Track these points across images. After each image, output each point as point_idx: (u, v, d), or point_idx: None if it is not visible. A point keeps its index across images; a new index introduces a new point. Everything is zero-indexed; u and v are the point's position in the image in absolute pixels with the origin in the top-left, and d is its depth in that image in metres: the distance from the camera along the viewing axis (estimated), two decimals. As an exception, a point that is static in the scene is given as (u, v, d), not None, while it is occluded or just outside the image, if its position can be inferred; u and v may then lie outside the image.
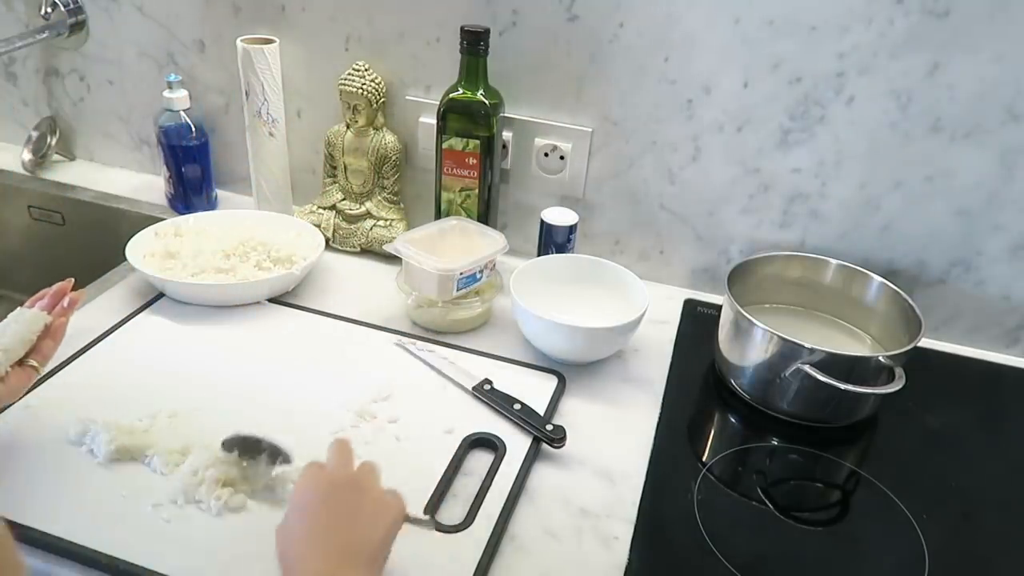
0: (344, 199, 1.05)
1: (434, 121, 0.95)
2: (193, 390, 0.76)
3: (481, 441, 0.72)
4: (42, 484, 0.64)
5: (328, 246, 1.01)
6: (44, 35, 1.11)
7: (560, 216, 0.95)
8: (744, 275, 0.86)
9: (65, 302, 0.71)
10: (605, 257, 0.92)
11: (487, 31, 0.89)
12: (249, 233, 0.96)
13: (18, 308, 0.68)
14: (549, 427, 0.72)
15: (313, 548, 0.50)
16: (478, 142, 0.93)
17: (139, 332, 0.85)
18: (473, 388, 0.78)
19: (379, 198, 1.04)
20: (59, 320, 0.70)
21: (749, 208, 0.94)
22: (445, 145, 0.95)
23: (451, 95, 0.92)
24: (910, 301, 0.81)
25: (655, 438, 0.75)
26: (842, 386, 0.71)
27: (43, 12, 1.11)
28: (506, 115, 0.97)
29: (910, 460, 0.77)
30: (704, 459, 0.75)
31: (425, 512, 0.63)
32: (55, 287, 0.72)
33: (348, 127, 1.01)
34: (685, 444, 0.76)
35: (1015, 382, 0.90)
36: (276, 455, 0.64)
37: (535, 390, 0.79)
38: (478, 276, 0.87)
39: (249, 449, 0.64)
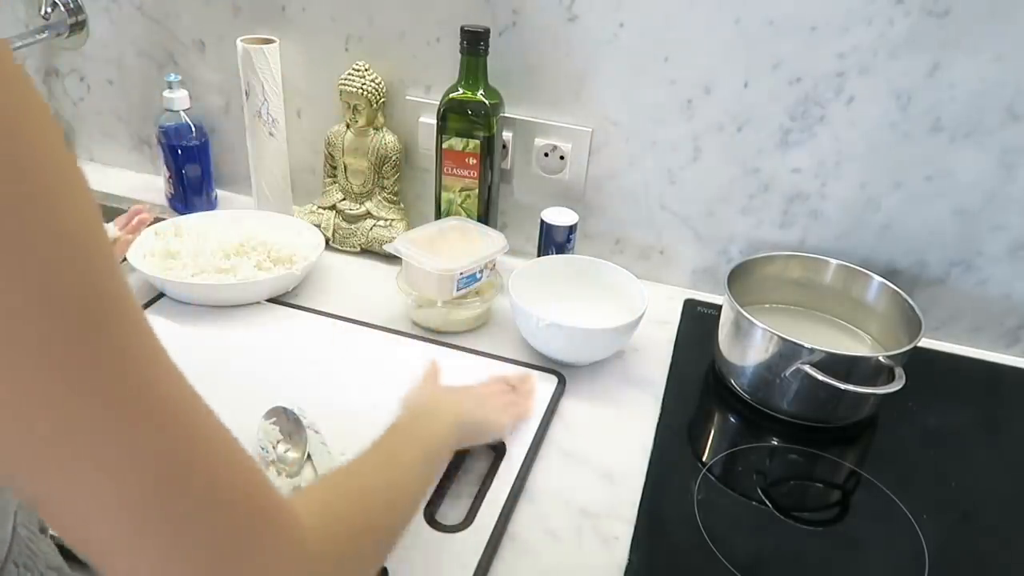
0: (344, 199, 1.05)
1: (434, 121, 0.95)
2: (193, 390, 0.76)
3: (481, 441, 0.72)
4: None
5: (328, 246, 1.01)
6: (44, 35, 1.11)
7: (560, 216, 0.95)
8: (744, 275, 0.86)
9: (134, 221, 0.80)
10: (605, 257, 0.92)
11: (487, 31, 0.89)
12: (249, 233, 0.96)
13: None
14: None
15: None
16: (478, 142, 0.93)
17: (139, 332, 0.85)
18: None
19: (379, 198, 1.04)
20: (126, 236, 0.78)
21: (749, 208, 0.94)
22: (445, 145, 0.95)
23: (451, 95, 0.92)
24: (910, 301, 0.81)
25: (655, 438, 0.75)
26: (842, 386, 0.71)
27: (43, 12, 1.11)
28: (506, 115, 0.97)
29: (910, 460, 0.77)
30: (704, 459, 0.75)
31: (425, 513, 0.63)
32: (132, 209, 0.82)
33: (348, 127, 1.01)
34: (685, 444, 0.76)
35: (1015, 382, 0.89)
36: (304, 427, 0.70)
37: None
38: (478, 276, 0.87)
39: (289, 419, 0.70)
